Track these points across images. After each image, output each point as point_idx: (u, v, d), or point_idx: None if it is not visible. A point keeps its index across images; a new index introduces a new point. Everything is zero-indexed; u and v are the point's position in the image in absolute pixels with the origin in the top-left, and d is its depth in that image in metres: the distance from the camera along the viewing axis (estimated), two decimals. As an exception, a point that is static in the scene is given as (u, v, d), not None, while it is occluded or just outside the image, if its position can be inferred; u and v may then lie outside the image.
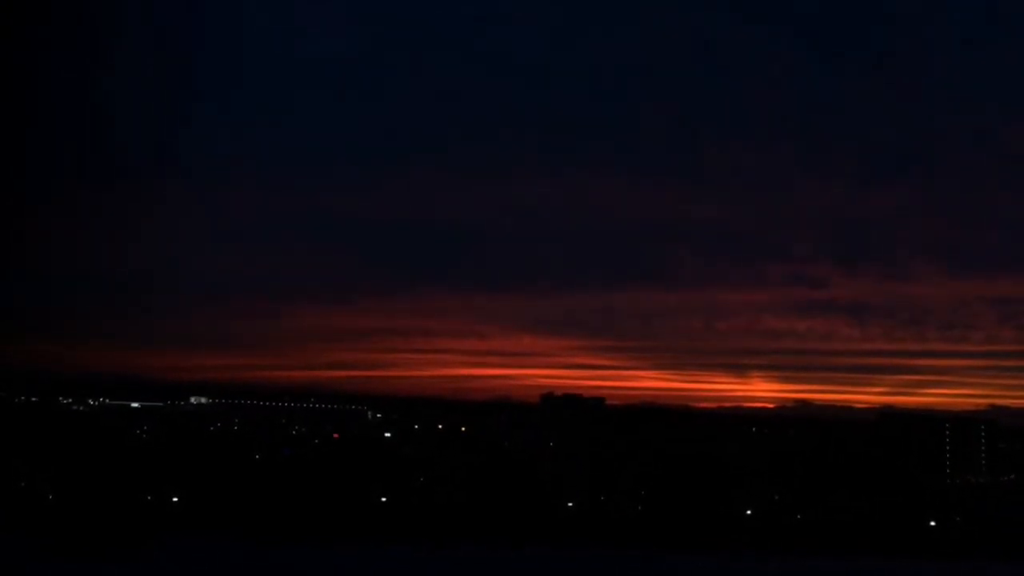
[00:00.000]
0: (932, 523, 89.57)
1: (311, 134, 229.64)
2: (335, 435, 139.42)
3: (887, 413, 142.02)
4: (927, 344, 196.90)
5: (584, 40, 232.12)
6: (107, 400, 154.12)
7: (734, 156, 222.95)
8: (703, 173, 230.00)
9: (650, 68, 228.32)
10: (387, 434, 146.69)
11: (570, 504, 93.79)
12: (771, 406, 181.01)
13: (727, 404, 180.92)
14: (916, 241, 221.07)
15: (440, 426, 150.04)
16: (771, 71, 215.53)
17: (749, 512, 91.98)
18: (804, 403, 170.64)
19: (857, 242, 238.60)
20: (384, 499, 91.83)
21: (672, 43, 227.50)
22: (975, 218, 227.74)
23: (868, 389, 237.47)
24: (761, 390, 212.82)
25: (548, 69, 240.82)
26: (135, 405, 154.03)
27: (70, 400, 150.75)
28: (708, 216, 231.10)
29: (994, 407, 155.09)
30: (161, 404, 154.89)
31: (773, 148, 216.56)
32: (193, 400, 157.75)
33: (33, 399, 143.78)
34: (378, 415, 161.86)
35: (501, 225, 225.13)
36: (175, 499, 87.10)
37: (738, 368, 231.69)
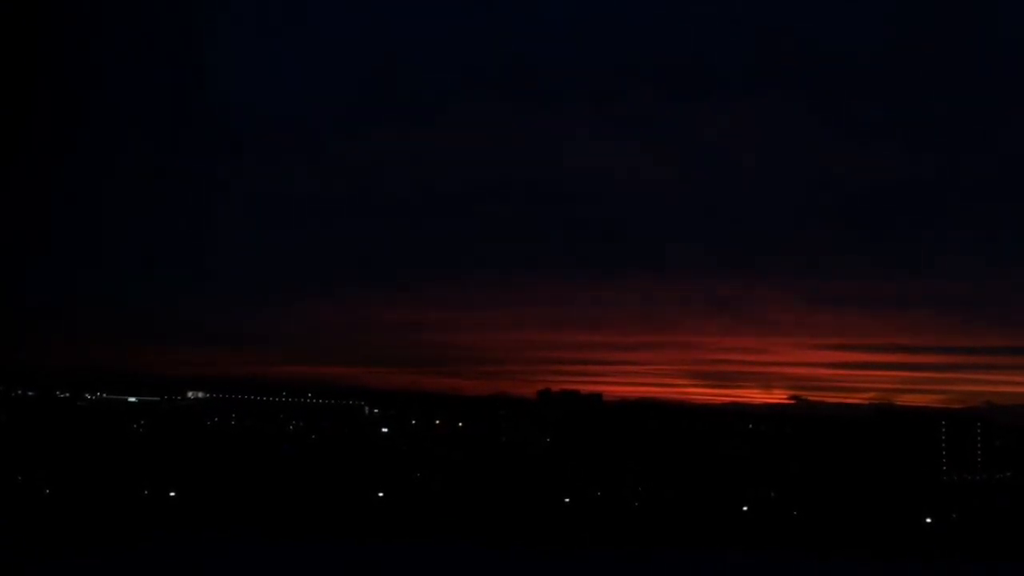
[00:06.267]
0: (928, 520, 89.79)
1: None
2: (331, 431, 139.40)
3: (884, 410, 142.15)
4: (944, 339, 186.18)
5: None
6: (104, 394, 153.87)
7: (734, 122, 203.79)
8: (697, 142, 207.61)
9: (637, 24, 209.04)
10: (384, 430, 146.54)
11: (567, 500, 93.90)
12: (770, 402, 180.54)
13: (725, 400, 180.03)
14: (952, 221, 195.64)
15: (437, 422, 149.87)
16: (780, 23, 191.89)
17: (745, 509, 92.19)
18: (802, 399, 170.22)
19: (881, 224, 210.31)
20: (381, 495, 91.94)
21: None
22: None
23: (870, 386, 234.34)
24: (760, 388, 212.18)
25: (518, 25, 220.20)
26: (132, 400, 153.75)
27: (67, 394, 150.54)
28: (704, 193, 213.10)
29: (990, 404, 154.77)
30: (158, 399, 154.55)
31: (782, 113, 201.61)
32: (190, 395, 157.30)
33: (30, 393, 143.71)
34: (375, 410, 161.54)
35: (497, 212, 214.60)
36: (172, 494, 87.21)
37: (739, 366, 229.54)
